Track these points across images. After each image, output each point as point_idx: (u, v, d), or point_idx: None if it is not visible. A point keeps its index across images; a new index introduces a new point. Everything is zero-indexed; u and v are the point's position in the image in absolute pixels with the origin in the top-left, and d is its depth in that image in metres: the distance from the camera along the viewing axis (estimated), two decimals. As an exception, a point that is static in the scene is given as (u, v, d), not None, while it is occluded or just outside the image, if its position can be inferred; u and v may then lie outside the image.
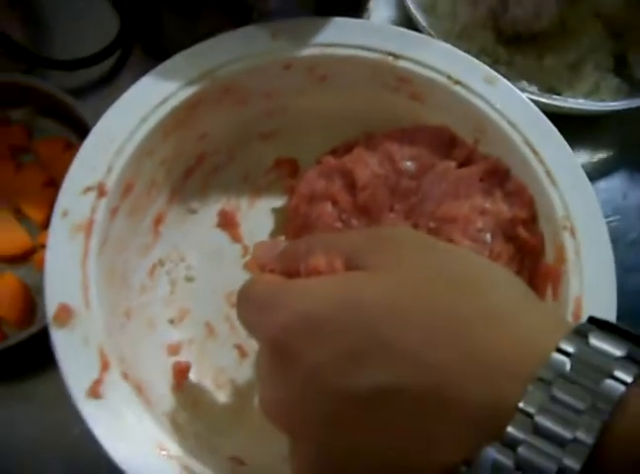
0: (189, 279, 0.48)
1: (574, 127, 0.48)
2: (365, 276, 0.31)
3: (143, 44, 0.58)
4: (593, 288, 0.41)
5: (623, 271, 0.53)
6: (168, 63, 0.45)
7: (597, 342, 0.26)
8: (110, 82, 0.56)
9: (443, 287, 0.29)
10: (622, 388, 0.25)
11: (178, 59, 0.45)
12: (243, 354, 0.46)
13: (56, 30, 0.59)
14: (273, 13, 0.50)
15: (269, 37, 0.46)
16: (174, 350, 0.45)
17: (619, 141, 0.57)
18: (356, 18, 0.49)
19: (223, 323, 0.46)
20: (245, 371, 0.45)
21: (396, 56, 0.47)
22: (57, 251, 0.39)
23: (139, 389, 0.39)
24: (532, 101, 0.46)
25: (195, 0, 0.50)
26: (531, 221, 0.45)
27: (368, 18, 0.59)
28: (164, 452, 0.36)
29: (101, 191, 0.41)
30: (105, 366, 0.37)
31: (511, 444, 0.25)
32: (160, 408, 0.40)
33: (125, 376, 0.37)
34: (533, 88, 0.54)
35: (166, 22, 0.54)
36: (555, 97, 0.53)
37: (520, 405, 0.25)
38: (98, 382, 0.36)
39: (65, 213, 0.40)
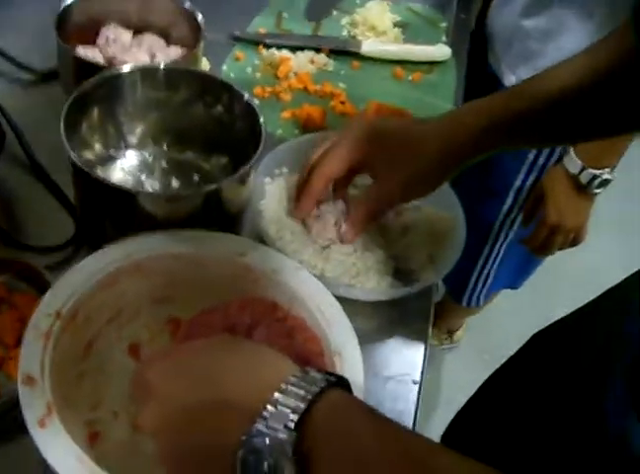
0: (104, 382, 0.74)
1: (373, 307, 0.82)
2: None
3: (89, 244, 0.88)
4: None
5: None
6: (102, 250, 0.75)
7: (312, 373, 0.55)
8: (68, 263, 0.86)
9: (239, 361, 0.59)
10: (318, 389, 0.52)
11: (108, 248, 0.75)
12: (136, 428, 0.71)
13: (30, 224, 0.92)
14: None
15: (166, 238, 0.77)
16: (91, 424, 0.71)
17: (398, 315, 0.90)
18: (233, 230, 0.81)
19: (125, 410, 0.73)
20: (135, 436, 0.71)
21: (242, 255, 0.78)
22: (29, 347, 0.66)
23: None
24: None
25: (123, 220, 0.82)
26: (321, 354, 0.74)
27: (242, 229, 0.91)
28: (81, 461, 0.61)
29: (57, 315, 0.69)
30: (50, 410, 0.62)
31: (264, 418, 0.51)
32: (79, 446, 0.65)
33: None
34: (341, 280, 0.85)
35: (107, 231, 0.85)
36: (343, 288, 0.84)
37: (270, 401, 0.52)
38: (43, 418, 0.61)
39: (35, 327, 0.67)
